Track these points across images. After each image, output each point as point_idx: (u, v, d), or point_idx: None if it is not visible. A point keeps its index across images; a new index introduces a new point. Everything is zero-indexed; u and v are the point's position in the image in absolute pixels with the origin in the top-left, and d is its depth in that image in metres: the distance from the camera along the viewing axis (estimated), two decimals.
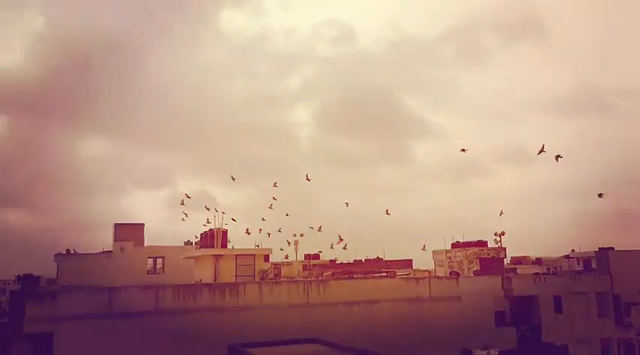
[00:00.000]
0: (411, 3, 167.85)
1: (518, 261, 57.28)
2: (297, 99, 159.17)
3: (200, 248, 33.32)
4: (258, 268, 29.40)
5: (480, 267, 38.52)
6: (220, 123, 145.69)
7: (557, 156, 23.65)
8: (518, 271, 48.60)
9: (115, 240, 37.68)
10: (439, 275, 37.94)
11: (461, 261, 39.65)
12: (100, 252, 38.58)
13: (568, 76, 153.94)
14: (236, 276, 28.64)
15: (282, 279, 31.27)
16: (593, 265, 44.73)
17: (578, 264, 49.19)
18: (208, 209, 31.87)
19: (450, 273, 37.76)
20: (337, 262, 53.30)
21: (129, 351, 20.98)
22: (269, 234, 33.39)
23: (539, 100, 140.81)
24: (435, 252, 41.74)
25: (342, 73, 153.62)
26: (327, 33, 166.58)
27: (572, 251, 51.13)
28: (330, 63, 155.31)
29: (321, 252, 46.10)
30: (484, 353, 27.59)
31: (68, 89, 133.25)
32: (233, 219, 32.81)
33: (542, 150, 23.49)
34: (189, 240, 40.35)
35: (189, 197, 33.58)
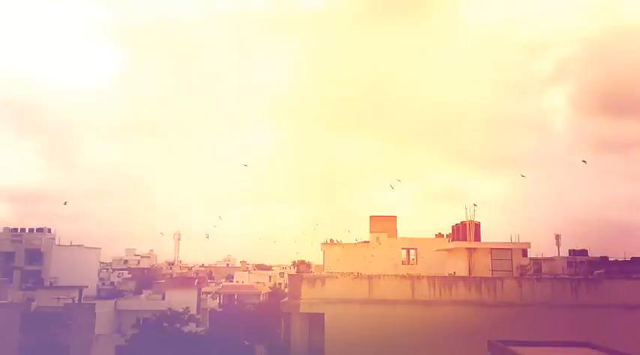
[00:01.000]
0: None
1: None
2: (549, 84, 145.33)
3: (452, 240, 33.00)
4: (516, 263, 27.67)
5: None
6: (469, 114, 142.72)
7: None
8: None
9: (371, 231, 40.03)
10: None
11: None
12: (359, 242, 41.44)
13: None
14: (492, 270, 27.50)
15: (543, 275, 28.84)
16: None
17: None
18: (460, 202, 31.16)
19: None
20: (610, 259, 46.85)
21: (388, 337, 22.02)
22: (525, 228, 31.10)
23: None
24: None
25: (601, 50, 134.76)
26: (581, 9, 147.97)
27: None
28: (587, 41, 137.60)
29: (589, 248, 41.14)
30: None
31: (324, 98, 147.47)
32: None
33: None
34: (440, 233, 40.44)
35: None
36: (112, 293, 77.87)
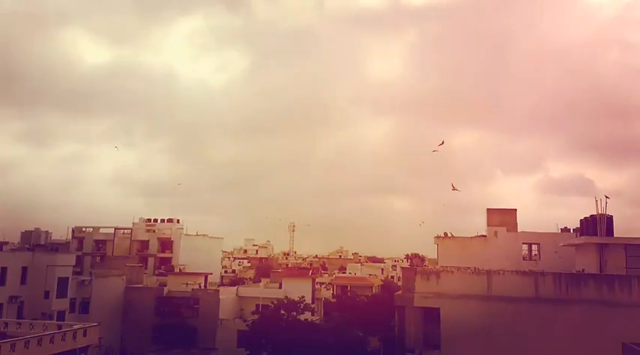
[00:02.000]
0: None
1: None
2: None
3: (580, 235, 30.71)
4: None
5: None
6: (594, 100, 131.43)
7: None
8: None
9: (488, 225, 38.46)
10: None
11: None
12: (475, 236, 40.02)
13: None
14: (626, 268, 25.21)
15: None
16: None
17: None
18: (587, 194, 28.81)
19: None
20: None
21: (508, 335, 21.14)
22: None
23: None
24: None
25: None
26: None
27: None
28: None
29: None
30: None
31: (435, 90, 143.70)
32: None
33: None
34: (565, 227, 37.89)
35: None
36: (234, 280, 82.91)
